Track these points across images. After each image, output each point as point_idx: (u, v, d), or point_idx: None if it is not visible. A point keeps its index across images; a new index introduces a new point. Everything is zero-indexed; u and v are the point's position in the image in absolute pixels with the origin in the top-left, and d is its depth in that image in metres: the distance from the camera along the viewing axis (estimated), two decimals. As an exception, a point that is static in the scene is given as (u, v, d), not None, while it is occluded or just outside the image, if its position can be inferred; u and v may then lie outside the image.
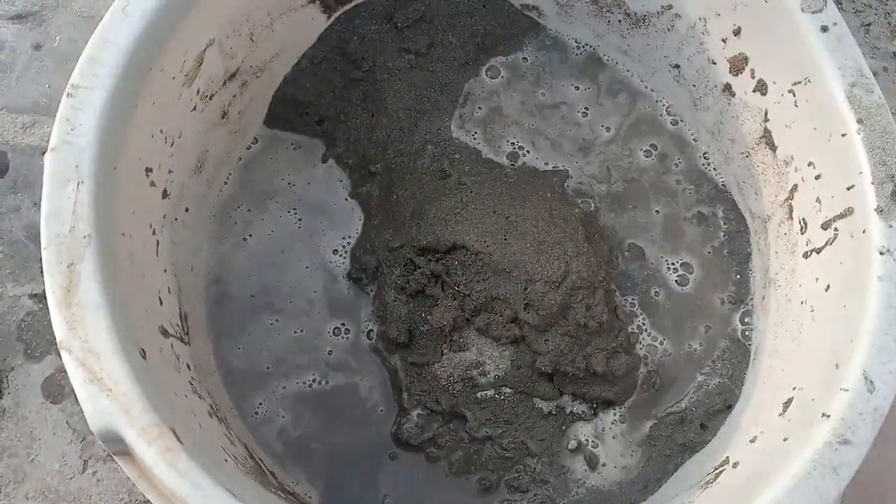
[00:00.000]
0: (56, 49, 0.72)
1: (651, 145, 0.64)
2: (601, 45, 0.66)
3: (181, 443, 0.38)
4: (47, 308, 0.40)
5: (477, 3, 0.65)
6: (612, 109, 0.65)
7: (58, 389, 0.60)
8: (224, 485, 0.38)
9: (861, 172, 0.47)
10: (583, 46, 0.66)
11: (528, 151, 0.63)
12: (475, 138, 0.63)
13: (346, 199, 0.61)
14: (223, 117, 0.56)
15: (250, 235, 0.60)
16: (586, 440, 0.56)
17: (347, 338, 0.58)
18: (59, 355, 0.60)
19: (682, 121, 0.64)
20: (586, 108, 0.65)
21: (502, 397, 0.56)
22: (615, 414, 0.57)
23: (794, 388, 0.47)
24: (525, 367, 0.57)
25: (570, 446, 0.56)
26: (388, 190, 0.61)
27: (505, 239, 0.58)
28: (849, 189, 0.48)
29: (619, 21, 0.63)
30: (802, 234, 0.52)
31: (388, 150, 0.62)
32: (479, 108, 0.65)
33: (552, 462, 0.55)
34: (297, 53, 0.61)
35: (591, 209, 0.62)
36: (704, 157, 0.63)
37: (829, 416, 0.42)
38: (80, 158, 0.42)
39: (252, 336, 0.57)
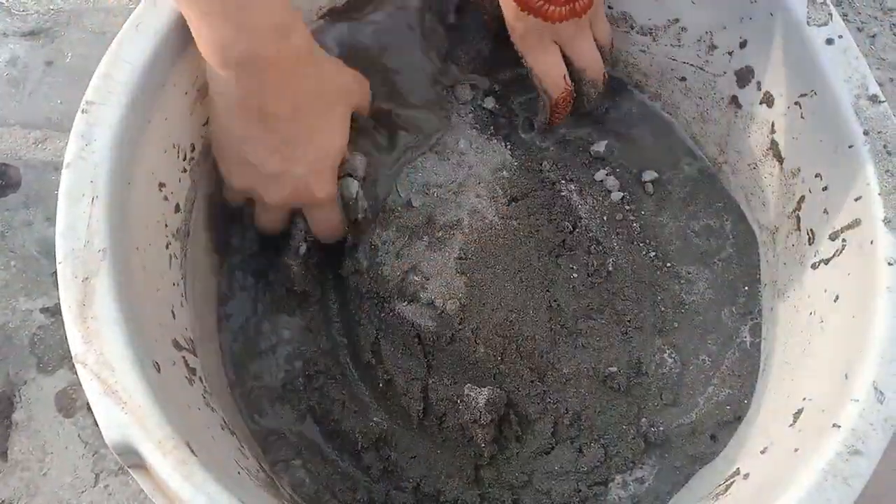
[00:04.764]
0: (68, 65, 0.73)
1: (657, 158, 0.64)
2: (608, 59, 0.66)
3: (195, 455, 0.38)
4: (59, 322, 0.41)
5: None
6: (618, 121, 0.66)
7: (70, 403, 0.61)
8: (239, 497, 0.38)
9: (868, 183, 0.47)
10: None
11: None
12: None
13: (361, 213, 0.61)
14: (234, 132, 0.57)
15: (262, 247, 0.60)
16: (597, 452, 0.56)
17: (355, 347, 0.58)
18: (72, 369, 0.61)
19: (688, 133, 0.65)
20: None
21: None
22: (626, 426, 0.57)
23: (804, 399, 0.47)
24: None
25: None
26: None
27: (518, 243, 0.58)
28: (856, 200, 0.48)
29: (626, 34, 0.63)
30: (810, 245, 0.52)
31: (400, 159, 0.62)
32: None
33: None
34: (306, 68, 0.61)
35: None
36: (712, 169, 0.64)
37: (839, 426, 0.42)
38: (95, 174, 0.43)
39: (263, 348, 0.57)
